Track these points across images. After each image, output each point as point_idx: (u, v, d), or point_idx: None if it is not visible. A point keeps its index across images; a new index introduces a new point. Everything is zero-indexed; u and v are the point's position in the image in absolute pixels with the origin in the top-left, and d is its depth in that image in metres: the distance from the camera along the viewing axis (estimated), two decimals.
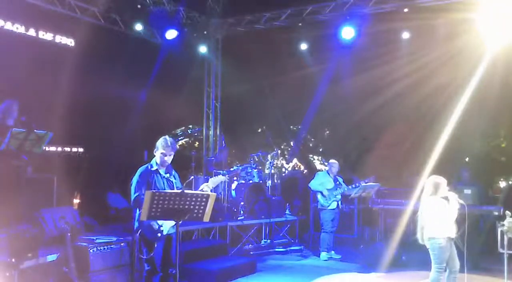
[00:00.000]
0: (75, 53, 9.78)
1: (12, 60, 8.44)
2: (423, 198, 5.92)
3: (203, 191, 4.87)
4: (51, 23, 9.50)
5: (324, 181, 9.25)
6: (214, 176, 9.82)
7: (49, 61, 9.41)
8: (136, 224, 5.15)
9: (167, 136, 5.34)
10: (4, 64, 8.14)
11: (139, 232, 5.11)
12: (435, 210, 5.75)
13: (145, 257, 5.13)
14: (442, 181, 5.82)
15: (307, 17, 11.06)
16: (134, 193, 5.12)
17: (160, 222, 5.06)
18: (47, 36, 9.51)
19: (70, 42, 9.91)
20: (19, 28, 9.03)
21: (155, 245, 5.12)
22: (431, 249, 5.81)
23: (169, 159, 5.29)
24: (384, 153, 11.86)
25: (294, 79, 13.41)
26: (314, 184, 9.32)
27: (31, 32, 9.23)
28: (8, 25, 8.84)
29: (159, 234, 5.07)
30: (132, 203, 5.15)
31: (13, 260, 5.17)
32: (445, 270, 5.83)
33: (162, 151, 5.23)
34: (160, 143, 5.28)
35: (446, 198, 5.78)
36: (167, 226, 5.13)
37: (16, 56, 8.53)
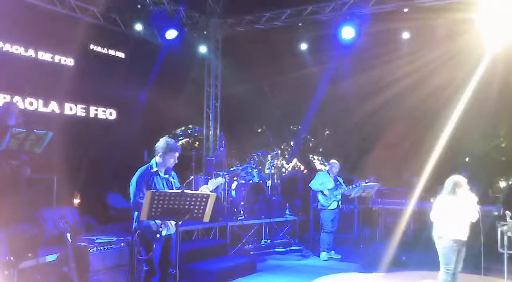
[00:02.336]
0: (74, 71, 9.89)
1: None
2: (440, 196, 5.84)
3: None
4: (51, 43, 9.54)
5: (325, 180, 9.26)
6: (214, 176, 9.85)
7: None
8: (135, 225, 5.14)
9: (169, 139, 5.28)
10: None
11: (138, 233, 5.11)
12: (449, 210, 5.66)
13: (143, 257, 5.12)
14: (462, 180, 5.73)
15: (307, 17, 11.06)
16: (134, 196, 5.08)
17: (159, 223, 5.05)
18: (46, 56, 9.54)
19: (70, 61, 9.94)
20: (18, 49, 9.05)
21: (154, 246, 5.11)
22: (438, 248, 5.74)
23: (175, 161, 5.29)
24: (384, 153, 11.86)
25: (294, 79, 13.41)
26: (314, 184, 9.32)
27: (30, 52, 9.27)
28: (7, 47, 8.86)
29: (158, 235, 5.06)
30: (132, 205, 5.11)
31: (12, 258, 5.17)
32: (454, 271, 5.76)
33: (172, 155, 5.19)
34: (163, 147, 5.21)
35: (464, 199, 5.69)
36: (166, 227, 5.12)
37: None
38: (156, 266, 5.16)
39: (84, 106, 10.31)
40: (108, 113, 10.85)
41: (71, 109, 10.07)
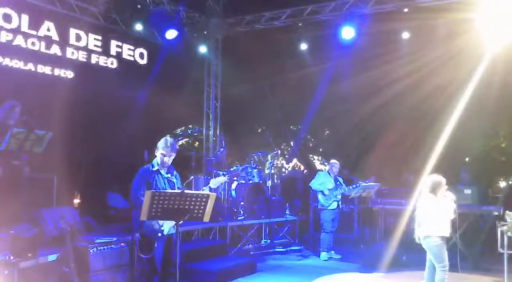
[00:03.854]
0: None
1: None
2: (421, 196, 5.88)
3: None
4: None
5: (325, 180, 9.26)
6: (214, 175, 9.84)
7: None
8: (136, 224, 5.15)
9: (168, 137, 5.33)
10: None
11: (139, 232, 5.12)
12: (432, 209, 5.71)
13: (145, 256, 5.13)
14: (442, 180, 5.77)
15: (307, 17, 11.06)
16: (135, 194, 5.13)
17: (160, 222, 5.07)
18: (45, 69, 9.38)
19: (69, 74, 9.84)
20: (18, 63, 8.93)
21: (155, 245, 5.12)
22: (427, 248, 5.77)
23: (169, 160, 5.29)
24: (384, 153, 11.86)
25: (294, 79, 13.42)
26: (314, 184, 9.32)
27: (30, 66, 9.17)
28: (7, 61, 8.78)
29: (159, 234, 5.08)
30: (133, 203, 5.16)
31: (12, 258, 5.18)
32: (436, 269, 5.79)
33: (162, 152, 5.23)
34: (160, 143, 5.28)
35: (443, 198, 5.76)
36: (167, 226, 5.14)
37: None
38: (158, 265, 5.18)
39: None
40: None
41: None
